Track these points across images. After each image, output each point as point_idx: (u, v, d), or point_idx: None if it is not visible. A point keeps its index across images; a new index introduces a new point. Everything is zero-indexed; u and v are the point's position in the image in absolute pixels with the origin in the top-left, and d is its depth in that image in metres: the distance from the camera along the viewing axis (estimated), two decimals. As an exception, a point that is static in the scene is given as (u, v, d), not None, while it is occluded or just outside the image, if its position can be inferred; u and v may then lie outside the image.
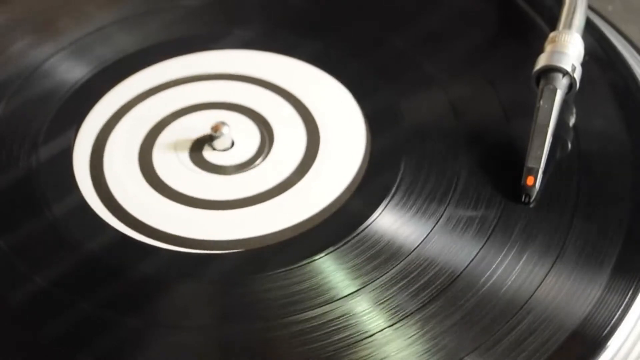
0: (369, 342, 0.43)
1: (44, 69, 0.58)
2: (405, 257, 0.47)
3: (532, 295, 0.45)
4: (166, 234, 0.49)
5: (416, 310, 0.45)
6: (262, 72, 0.58)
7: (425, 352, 0.43)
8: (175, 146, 0.54)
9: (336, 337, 0.44)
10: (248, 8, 0.62)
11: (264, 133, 0.54)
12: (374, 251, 0.47)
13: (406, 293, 0.45)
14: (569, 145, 0.52)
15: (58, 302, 0.46)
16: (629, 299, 0.45)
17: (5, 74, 0.58)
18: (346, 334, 0.44)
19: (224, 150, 0.53)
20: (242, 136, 0.54)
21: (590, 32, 0.57)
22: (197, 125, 0.55)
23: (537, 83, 0.53)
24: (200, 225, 0.50)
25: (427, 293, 0.45)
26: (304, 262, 0.47)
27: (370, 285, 0.46)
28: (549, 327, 0.44)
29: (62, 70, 0.58)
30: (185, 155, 0.53)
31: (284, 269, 0.47)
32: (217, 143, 0.53)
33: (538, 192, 0.49)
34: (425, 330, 0.44)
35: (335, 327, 0.44)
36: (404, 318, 0.44)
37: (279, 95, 0.57)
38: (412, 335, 0.44)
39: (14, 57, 0.59)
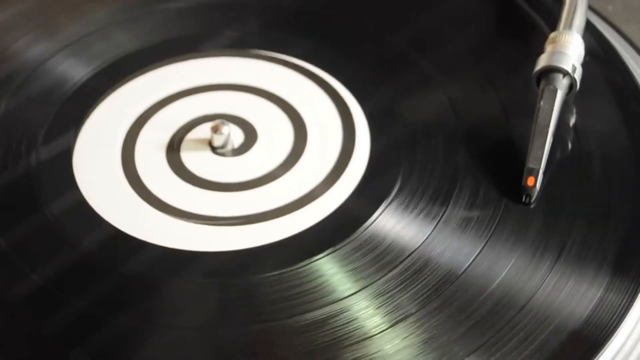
0: (368, 343, 0.43)
1: (44, 68, 0.58)
2: (406, 258, 0.47)
3: (532, 296, 0.45)
4: (165, 234, 0.49)
5: (416, 311, 0.45)
6: (262, 74, 0.58)
7: (425, 353, 0.43)
8: (175, 145, 0.54)
9: (336, 338, 0.44)
10: (247, 7, 0.62)
11: (263, 131, 0.55)
12: (374, 251, 0.47)
13: (406, 294, 0.45)
14: (569, 146, 0.52)
15: (56, 300, 0.46)
16: (629, 299, 0.45)
17: (6, 73, 0.58)
18: (346, 335, 0.44)
19: (224, 149, 0.53)
20: (244, 134, 0.54)
21: (590, 32, 0.58)
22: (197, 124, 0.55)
23: (538, 83, 0.53)
24: (200, 225, 0.49)
25: (427, 294, 0.45)
26: (304, 262, 0.47)
27: (370, 286, 0.46)
28: (549, 327, 0.44)
29: (63, 70, 0.58)
30: (183, 156, 0.53)
31: (283, 269, 0.47)
32: (216, 143, 0.53)
33: (539, 193, 0.49)
34: (424, 331, 0.44)
35: (335, 328, 0.44)
36: (404, 319, 0.44)
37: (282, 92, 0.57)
38: (412, 336, 0.44)
39: (14, 56, 0.59)
